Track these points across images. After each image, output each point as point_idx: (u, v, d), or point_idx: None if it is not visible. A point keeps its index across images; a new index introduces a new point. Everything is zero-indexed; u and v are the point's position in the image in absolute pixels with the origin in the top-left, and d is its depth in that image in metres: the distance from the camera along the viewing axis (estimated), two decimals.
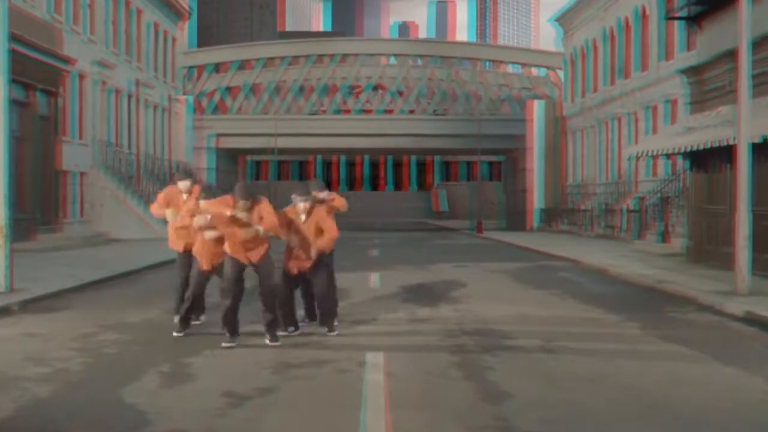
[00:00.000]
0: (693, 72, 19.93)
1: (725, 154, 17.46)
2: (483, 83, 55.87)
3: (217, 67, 55.92)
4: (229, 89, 56.37)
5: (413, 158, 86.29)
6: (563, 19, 48.91)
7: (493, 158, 73.92)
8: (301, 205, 9.82)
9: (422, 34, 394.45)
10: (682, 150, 17.58)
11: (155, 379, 7.52)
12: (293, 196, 9.88)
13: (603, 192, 39.96)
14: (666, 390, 7.15)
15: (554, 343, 9.41)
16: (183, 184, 10.90)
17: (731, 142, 14.75)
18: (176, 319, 10.20)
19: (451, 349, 9.05)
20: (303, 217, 9.86)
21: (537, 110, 49.41)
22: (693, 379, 7.65)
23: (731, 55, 17.50)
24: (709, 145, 15.87)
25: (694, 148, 16.64)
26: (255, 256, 9.47)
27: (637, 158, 20.53)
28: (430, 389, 7.17)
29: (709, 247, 18.88)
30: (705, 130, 16.87)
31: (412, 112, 55.67)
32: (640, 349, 9.20)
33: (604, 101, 41.49)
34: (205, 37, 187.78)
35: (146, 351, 8.99)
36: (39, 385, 7.23)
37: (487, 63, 58.10)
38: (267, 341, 9.37)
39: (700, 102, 19.43)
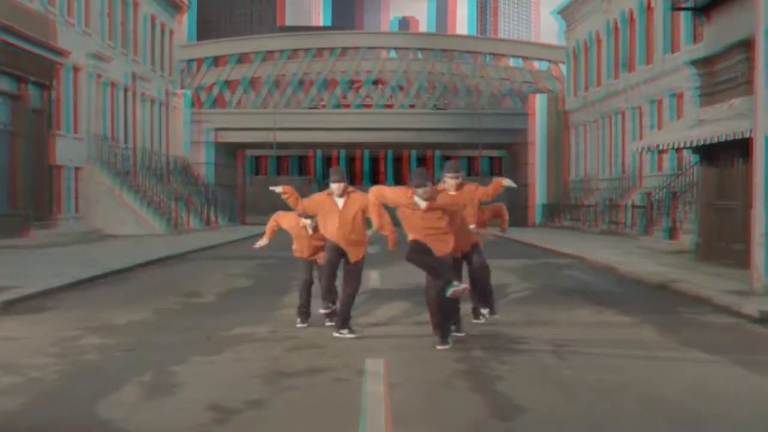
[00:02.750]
0: (703, 63, 19.32)
1: (738, 147, 16.85)
2: (484, 77, 55.24)
3: (216, 61, 55.28)
4: (228, 83, 55.74)
5: (413, 153, 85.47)
6: (566, 12, 48.26)
7: (494, 153, 73.18)
8: (452, 181, 9.42)
9: (422, 29, 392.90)
10: (694, 143, 16.96)
11: (136, 391, 6.91)
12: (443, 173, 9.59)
13: (606, 187, 39.37)
14: (694, 403, 6.55)
15: (566, 348, 8.81)
16: (337, 187, 9.56)
17: (747, 135, 14.15)
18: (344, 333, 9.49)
19: (456, 355, 8.45)
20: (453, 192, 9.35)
21: (539, 104, 48.80)
22: (720, 390, 7.04)
23: (744, 45, 16.90)
24: (723, 138, 15.27)
25: (707, 142, 16.04)
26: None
27: (648, 151, 19.91)
28: (435, 402, 6.57)
29: (720, 244, 18.28)
30: (718, 123, 16.27)
31: (412, 106, 55.05)
32: (659, 355, 8.60)
33: (608, 95, 40.88)
34: (205, 32, 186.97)
35: (129, 357, 8.39)
36: (8, 397, 6.62)
37: (488, 57, 57.45)
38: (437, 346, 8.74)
39: (710, 94, 18.82)
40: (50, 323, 10.54)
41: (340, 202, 9.59)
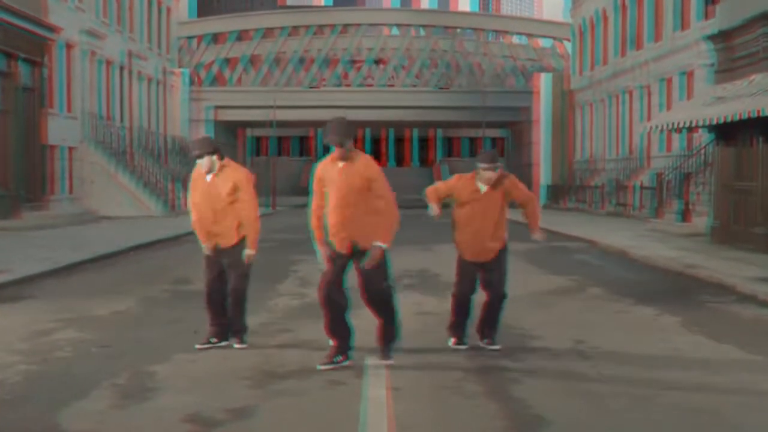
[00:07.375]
0: (721, 38, 18.42)
1: (758, 126, 16.03)
2: (487, 54, 54.24)
3: (216, 38, 54.33)
4: (227, 60, 54.82)
5: (415, 133, 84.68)
6: None
7: (496, 134, 72.39)
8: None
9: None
10: (715, 121, 16.11)
11: (107, 396, 6.12)
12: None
13: (613, 168, 38.49)
14: (736, 412, 5.78)
15: (587, 344, 8.02)
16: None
17: None
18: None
19: (466, 353, 7.67)
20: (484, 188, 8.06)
21: (544, 83, 47.80)
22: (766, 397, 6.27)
23: (766, 18, 16.06)
24: (746, 116, 14.42)
25: (729, 120, 15.19)
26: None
27: (670, 129, 19.01)
28: (445, 412, 5.77)
29: (737, 228, 17.48)
30: (739, 100, 15.42)
31: (414, 86, 54.07)
32: (690, 352, 7.79)
33: (615, 74, 39.89)
34: (205, 11, 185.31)
35: (105, 355, 7.60)
36: None
37: (491, 34, 56.42)
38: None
39: (728, 70, 17.96)
40: (25, 314, 9.75)
41: (210, 176, 7.89)
